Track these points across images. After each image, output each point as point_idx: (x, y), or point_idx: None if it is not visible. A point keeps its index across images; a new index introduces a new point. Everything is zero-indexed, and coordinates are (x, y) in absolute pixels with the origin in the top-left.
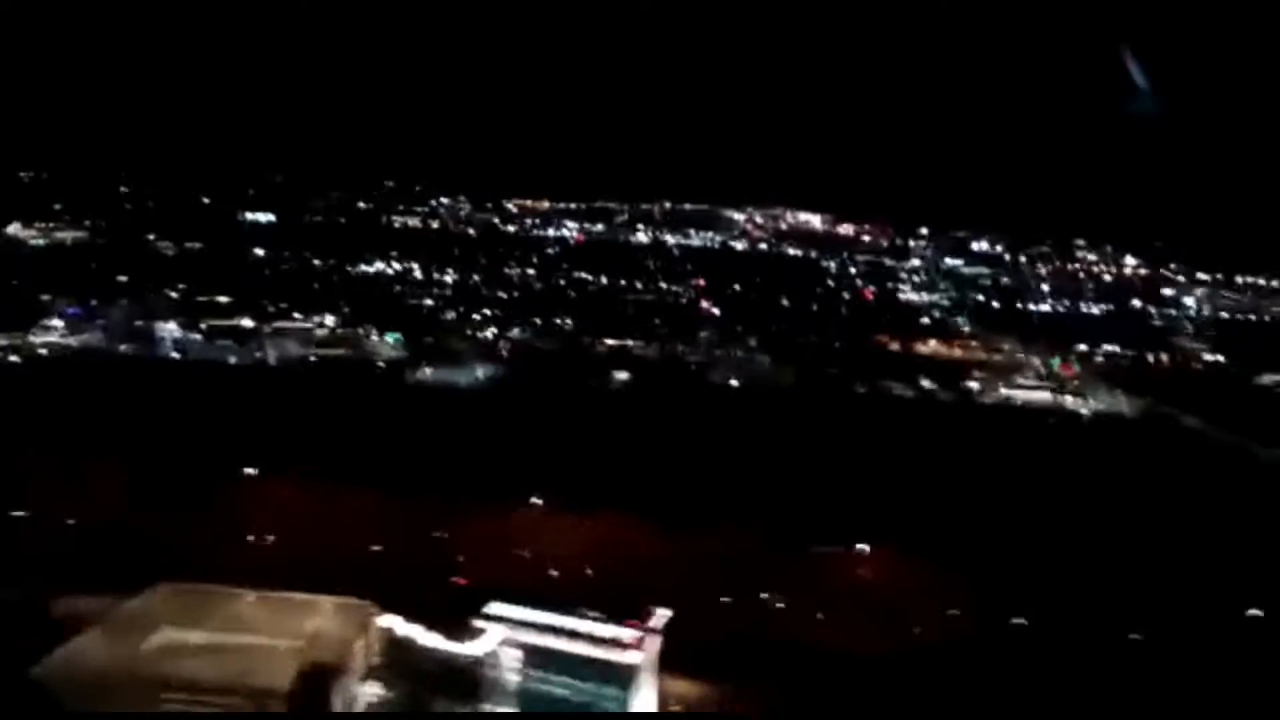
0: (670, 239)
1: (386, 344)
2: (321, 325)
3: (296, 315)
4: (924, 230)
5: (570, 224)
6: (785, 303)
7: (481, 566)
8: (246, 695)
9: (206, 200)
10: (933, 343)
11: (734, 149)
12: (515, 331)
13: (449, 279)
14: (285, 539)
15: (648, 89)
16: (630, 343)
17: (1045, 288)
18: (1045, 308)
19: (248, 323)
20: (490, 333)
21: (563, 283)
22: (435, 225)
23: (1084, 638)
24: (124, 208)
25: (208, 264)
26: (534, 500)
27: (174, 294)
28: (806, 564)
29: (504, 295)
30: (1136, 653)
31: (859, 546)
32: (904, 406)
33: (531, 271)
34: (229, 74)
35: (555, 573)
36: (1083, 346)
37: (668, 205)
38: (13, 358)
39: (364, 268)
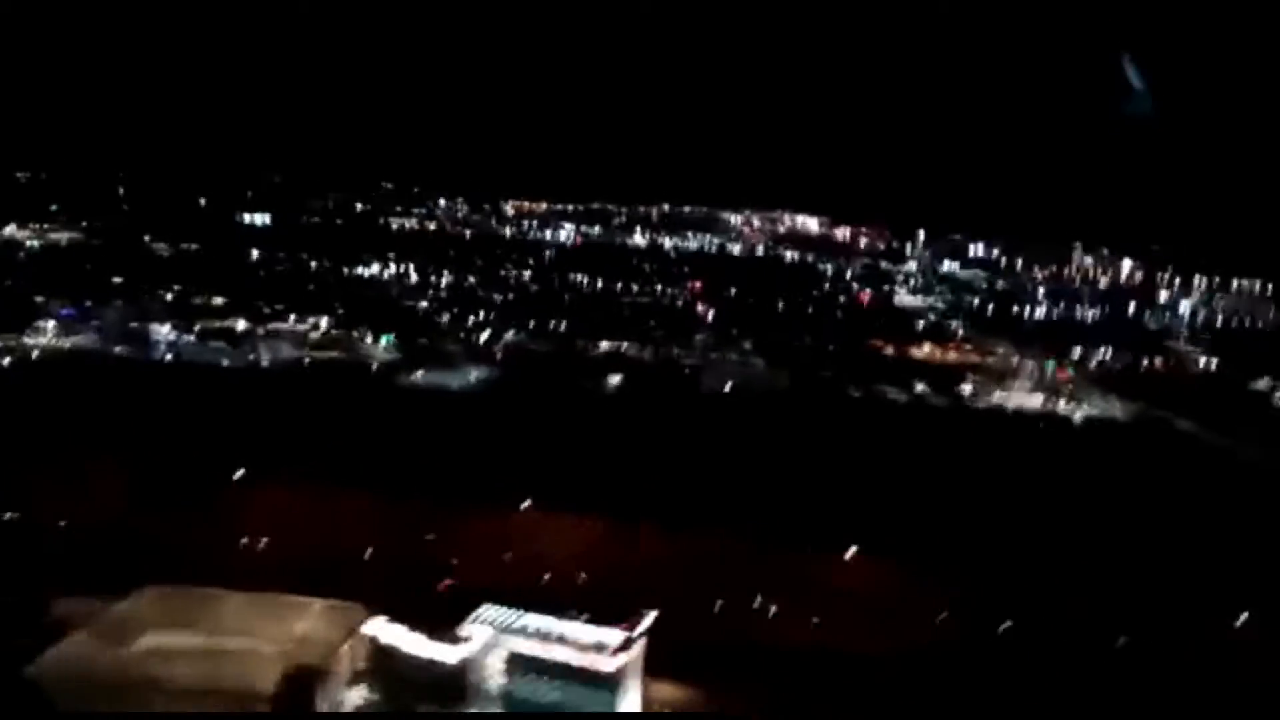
0: (667, 242)
1: (380, 346)
2: (315, 327)
3: (291, 317)
4: (921, 234)
5: (567, 226)
6: (781, 306)
7: (471, 569)
8: (231, 698)
9: (203, 202)
10: (927, 346)
11: (732, 152)
12: (510, 334)
13: (444, 281)
14: (277, 541)
15: (647, 91)
16: (624, 345)
17: (1041, 292)
18: (1041, 312)
19: (242, 325)
20: (484, 335)
21: (558, 285)
22: (432, 227)
23: (1072, 641)
24: (121, 209)
25: (203, 265)
26: (525, 503)
27: (168, 296)
28: (796, 567)
29: (499, 298)
30: (1125, 656)
31: (849, 550)
32: (897, 411)
33: (527, 274)
34: (227, 75)
35: (547, 576)
36: (1077, 351)
37: (665, 208)
38: (5, 359)
39: (360, 270)
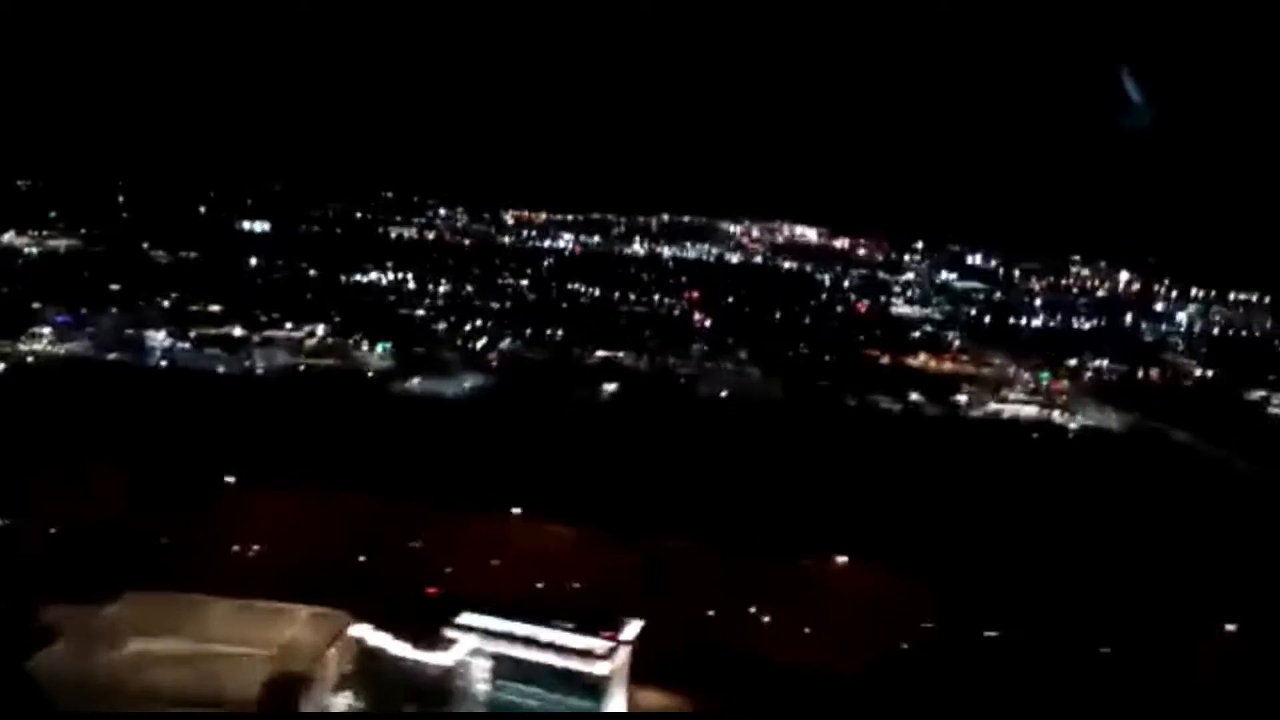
0: (666, 251)
1: (375, 354)
2: (311, 335)
3: (288, 324)
4: (919, 244)
5: (567, 235)
6: (778, 316)
7: (460, 577)
8: (215, 705)
9: (203, 209)
10: (923, 356)
11: (732, 162)
12: (506, 342)
13: (442, 290)
14: (266, 547)
15: (647, 102)
16: (620, 354)
17: (1038, 303)
18: (1037, 322)
19: (238, 332)
20: (480, 343)
21: (556, 294)
22: (431, 236)
23: (1057, 651)
24: (120, 216)
25: (201, 273)
26: (515, 510)
27: (165, 303)
28: (782, 575)
29: (496, 306)
30: (1117, 667)
31: (839, 558)
32: (891, 420)
33: (525, 283)
34: (228, 83)
35: (534, 583)
36: (1073, 361)
37: (665, 218)
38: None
39: (358, 277)
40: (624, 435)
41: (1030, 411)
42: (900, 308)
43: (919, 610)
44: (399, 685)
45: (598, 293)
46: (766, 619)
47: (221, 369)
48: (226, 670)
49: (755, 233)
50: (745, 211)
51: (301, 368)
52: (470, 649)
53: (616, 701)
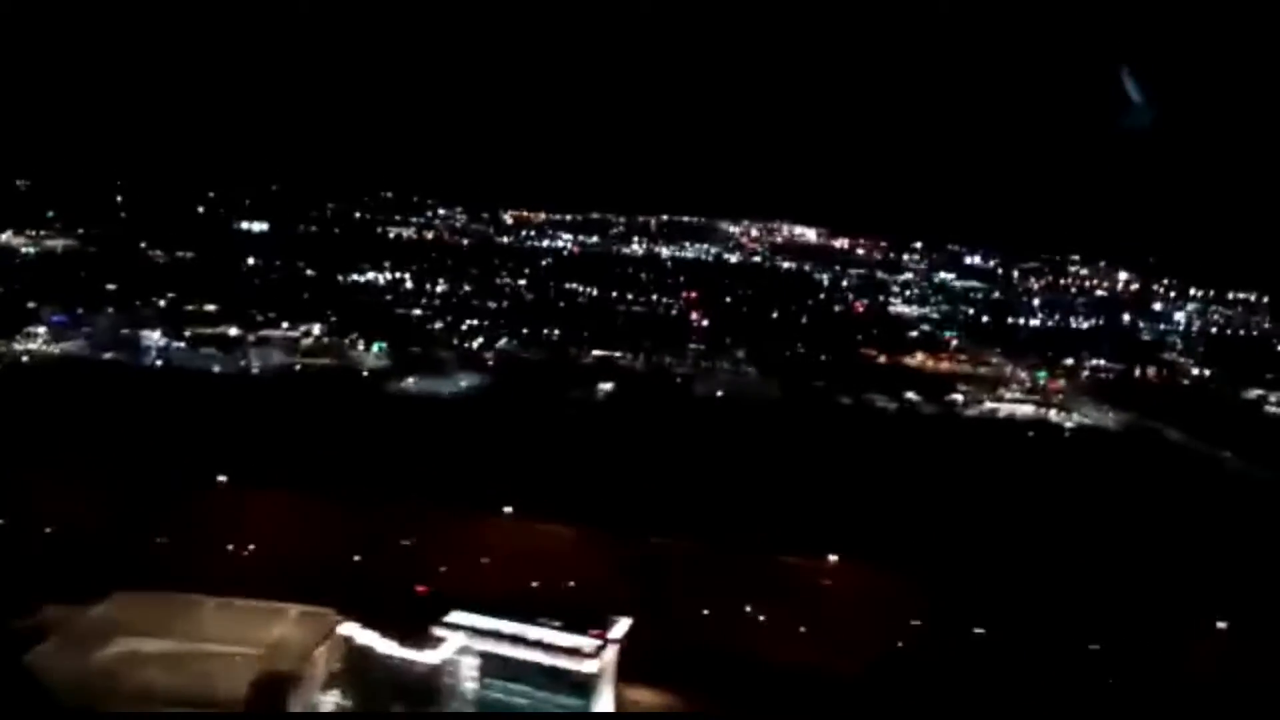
0: (664, 251)
1: (371, 353)
2: (308, 334)
3: (284, 324)
4: (918, 244)
5: (566, 235)
6: (775, 316)
7: (451, 576)
8: (203, 704)
9: (201, 209)
10: (920, 356)
11: (732, 163)
12: (502, 342)
13: (439, 289)
14: (258, 547)
15: (647, 102)
16: (617, 354)
17: (1036, 302)
18: (1035, 322)
19: (234, 331)
20: (477, 343)
21: (553, 294)
22: (430, 236)
23: (1046, 649)
24: (119, 216)
25: (198, 273)
26: (506, 510)
27: (161, 302)
28: (774, 574)
29: (494, 305)
30: (1112, 668)
31: (830, 557)
32: (886, 419)
33: (523, 282)
34: (227, 83)
35: (524, 582)
36: (1070, 361)
37: (665, 217)
38: None
39: (355, 277)
40: (618, 435)
41: (1026, 410)
42: (898, 307)
43: (912, 609)
44: (387, 683)
45: (595, 293)
46: (758, 617)
47: (217, 368)
48: (215, 669)
49: (754, 233)
50: (745, 212)
51: (297, 367)
52: (458, 647)
53: (604, 699)
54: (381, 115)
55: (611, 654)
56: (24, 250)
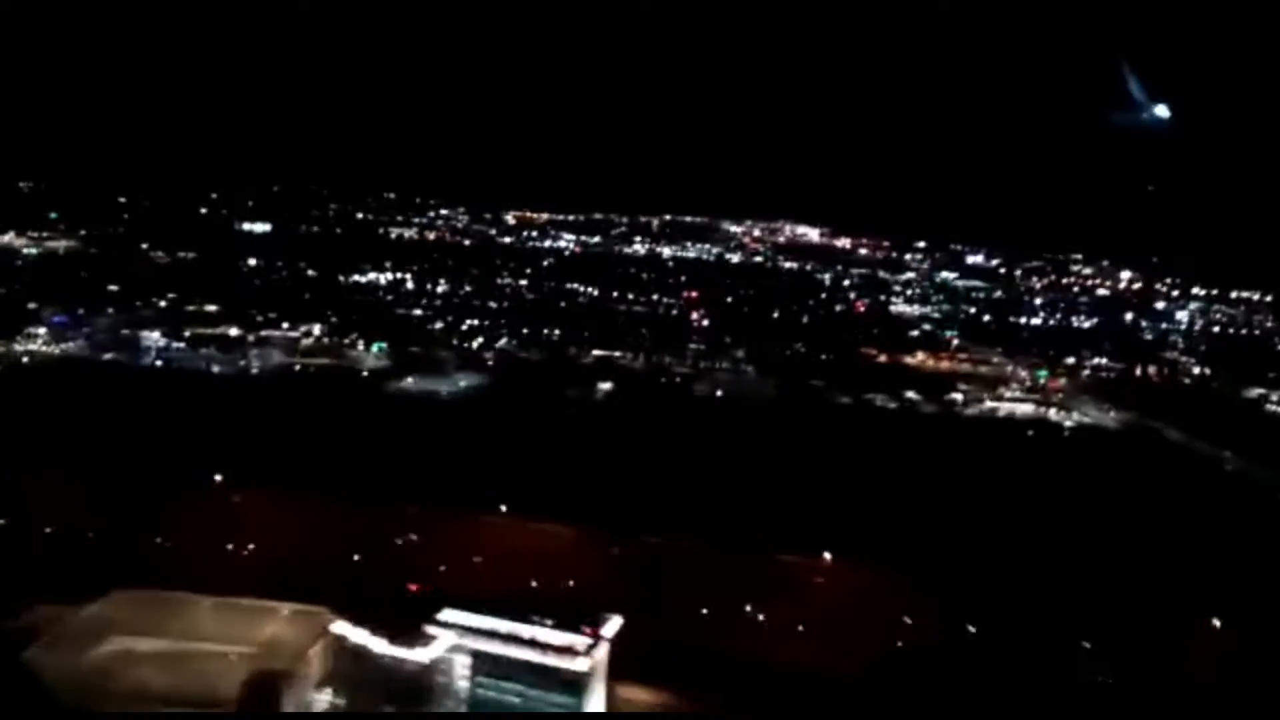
0: (666, 251)
1: (371, 353)
2: (308, 334)
3: (284, 324)
4: (920, 244)
5: (568, 236)
6: (776, 315)
7: (447, 575)
8: (197, 702)
9: (204, 211)
10: (921, 355)
11: (734, 163)
12: (502, 342)
13: (440, 289)
14: (255, 546)
15: (649, 103)
16: (617, 354)
17: (1038, 301)
18: (1037, 321)
19: (234, 331)
20: (477, 343)
21: (554, 294)
22: (432, 236)
23: (1038, 647)
24: (121, 217)
25: (200, 273)
26: (500, 509)
27: (162, 303)
28: (771, 572)
29: (494, 305)
30: (1110, 668)
31: (825, 555)
32: (885, 418)
33: (524, 283)
34: (230, 84)
35: (516, 580)
36: (1072, 360)
37: (667, 217)
38: None
39: (356, 277)
40: (617, 434)
41: (1026, 409)
42: (899, 306)
43: (909, 607)
44: (379, 681)
45: (595, 293)
46: (754, 616)
47: (217, 369)
48: (209, 668)
49: (757, 233)
50: (747, 212)
51: (297, 367)
52: (450, 645)
53: (596, 697)
54: (384, 116)
55: (603, 652)
56: (26, 251)
